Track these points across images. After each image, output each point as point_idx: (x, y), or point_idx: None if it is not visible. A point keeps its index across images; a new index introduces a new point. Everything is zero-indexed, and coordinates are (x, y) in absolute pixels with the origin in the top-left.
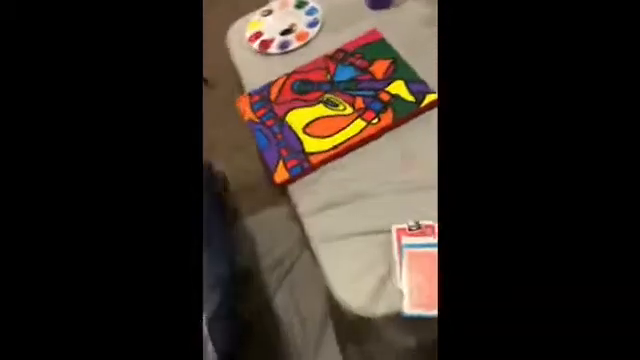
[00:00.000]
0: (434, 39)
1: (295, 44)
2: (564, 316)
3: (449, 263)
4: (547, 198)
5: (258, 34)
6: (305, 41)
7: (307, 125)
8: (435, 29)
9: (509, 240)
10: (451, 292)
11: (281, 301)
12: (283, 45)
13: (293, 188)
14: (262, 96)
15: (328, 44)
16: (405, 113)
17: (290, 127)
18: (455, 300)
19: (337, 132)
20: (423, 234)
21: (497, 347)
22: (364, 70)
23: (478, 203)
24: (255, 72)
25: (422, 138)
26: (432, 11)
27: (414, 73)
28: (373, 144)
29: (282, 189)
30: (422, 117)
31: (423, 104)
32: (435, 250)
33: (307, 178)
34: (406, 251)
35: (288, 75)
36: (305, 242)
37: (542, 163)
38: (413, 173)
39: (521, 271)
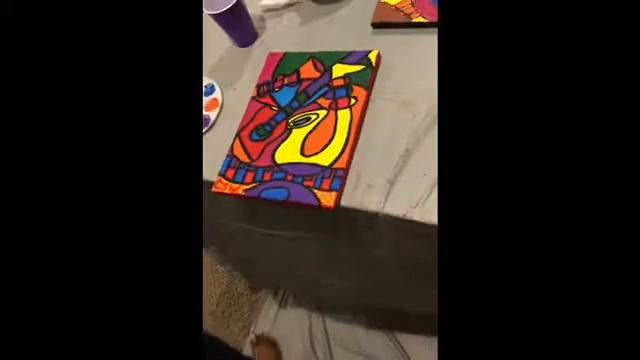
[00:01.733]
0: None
1: (214, 114)
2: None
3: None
4: (546, 197)
5: None
6: (219, 106)
7: (301, 150)
8: (306, 25)
9: (509, 239)
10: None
11: None
12: (203, 124)
13: (347, 198)
14: (234, 167)
15: (240, 95)
16: (368, 79)
17: (289, 163)
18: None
19: (333, 133)
20: None
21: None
22: (298, 81)
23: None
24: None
25: (398, 87)
26: (294, 15)
27: (339, 53)
28: (370, 117)
29: None
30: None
31: (373, 64)
32: None
33: (349, 181)
34: None
35: (237, 135)
36: None
37: (542, 161)
38: (422, 108)
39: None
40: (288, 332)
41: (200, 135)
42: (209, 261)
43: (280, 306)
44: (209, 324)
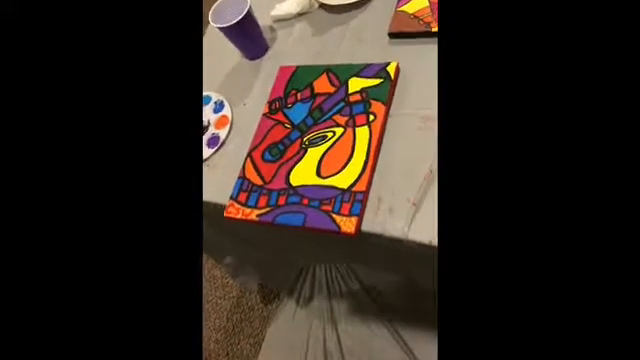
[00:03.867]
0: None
1: (224, 132)
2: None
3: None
4: (545, 196)
5: None
6: (229, 123)
7: (317, 171)
8: (319, 35)
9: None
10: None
11: None
12: (213, 142)
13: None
14: (246, 190)
15: (251, 111)
16: (386, 93)
17: (304, 186)
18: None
19: (352, 152)
20: None
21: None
22: (312, 97)
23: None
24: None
25: (419, 101)
26: (305, 25)
27: (354, 66)
28: (390, 134)
29: None
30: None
31: (392, 76)
32: None
33: (370, 205)
34: None
35: (248, 155)
36: None
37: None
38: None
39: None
40: (300, 345)
41: (200, 150)
42: (220, 275)
43: (293, 318)
44: (220, 339)
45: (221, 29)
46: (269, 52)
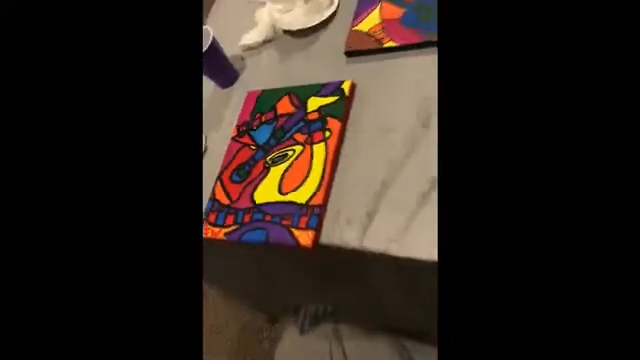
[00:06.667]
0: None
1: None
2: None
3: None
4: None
5: None
6: (204, 149)
7: (279, 189)
8: (285, 60)
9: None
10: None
11: None
12: None
13: (326, 236)
14: (215, 210)
15: (224, 137)
16: (342, 110)
17: (267, 203)
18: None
19: (309, 168)
20: None
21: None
22: (275, 118)
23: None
24: None
25: (374, 115)
26: (272, 52)
27: (313, 86)
28: (347, 149)
29: None
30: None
31: (347, 93)
32: None
33: (328, 217)
34: None
35: (218, 178)
36: None
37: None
38: (397, 136)
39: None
40: None
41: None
42: (228, 296)
43: (299, 338)
44: None
45: None
46: (240, 80)
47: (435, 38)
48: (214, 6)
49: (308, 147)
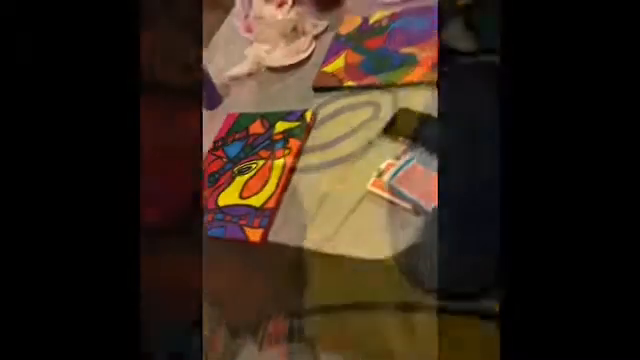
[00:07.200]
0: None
1: None
2: None
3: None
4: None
5: None
6: None
7: (240, 194)
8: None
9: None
10: None
11: None
12: None
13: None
14: None
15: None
16: (302, 133)
17: (228, 205)
18: None
19: (268, 178)
20: None
21: None
22: (246, 136)
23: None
24: None
25: (326, 141)
26: (253, 82)
27: (283, 112)
28: (301, 166)
29: None
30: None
31: (308, 119)
32: None
33: (279, 215)
34: None
35: None
36: None
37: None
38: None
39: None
40: None
41: None
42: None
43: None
44: None
45: None
46: (223, 104)
47: (384, 83)
48: (214, 37)
49: (270, 161)
